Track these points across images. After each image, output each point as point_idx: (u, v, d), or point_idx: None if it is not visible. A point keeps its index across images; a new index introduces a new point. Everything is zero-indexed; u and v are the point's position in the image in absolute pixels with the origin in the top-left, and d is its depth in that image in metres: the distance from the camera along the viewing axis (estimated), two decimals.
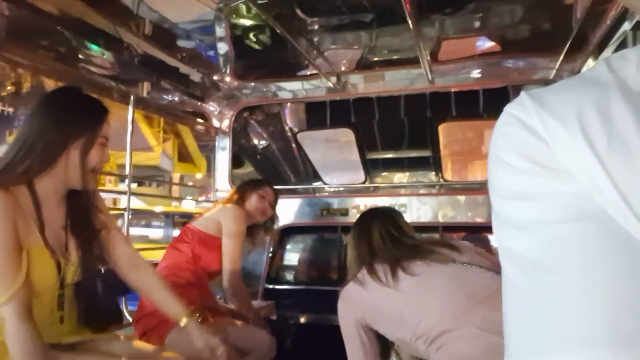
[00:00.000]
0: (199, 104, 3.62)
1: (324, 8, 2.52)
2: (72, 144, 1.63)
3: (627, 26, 2.32)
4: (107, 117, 1.73)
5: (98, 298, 1.80)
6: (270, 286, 3.78)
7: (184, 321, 1.89)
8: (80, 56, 2.59)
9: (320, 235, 4.23)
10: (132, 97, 2.88)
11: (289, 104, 4.21)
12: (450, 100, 3.84)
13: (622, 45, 2.46)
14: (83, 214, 1.76)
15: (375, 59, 3.19)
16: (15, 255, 1.50)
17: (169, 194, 16.63)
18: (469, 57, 3.14)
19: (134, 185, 3.05)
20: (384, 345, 1.96)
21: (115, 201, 9.70)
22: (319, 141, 4.67)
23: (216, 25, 2.60)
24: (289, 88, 3.68)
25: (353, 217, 3.65)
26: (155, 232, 9.87)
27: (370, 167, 4.71)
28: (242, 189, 2.93)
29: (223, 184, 3.92)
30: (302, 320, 3.35)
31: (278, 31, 2.49)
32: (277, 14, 2.40)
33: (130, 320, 2.61)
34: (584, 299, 0.51)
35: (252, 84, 3.59)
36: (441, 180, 4.53)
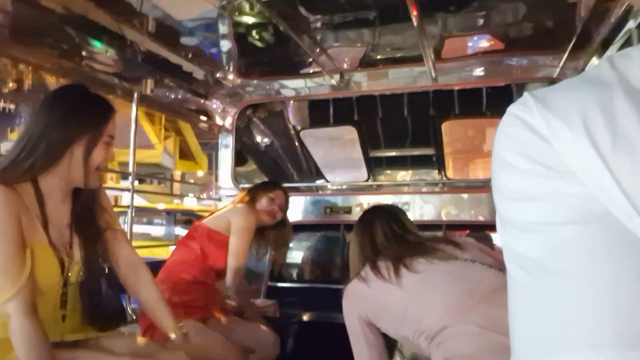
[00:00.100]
0: (202, 101, 3.61)
1: (327, 6, 2.51)
2: (76, 142, 1.63)
3: (631, 24, 2.31)
4: (113, 115, 1.72)
5: (102, 297, 1.79)
6: (274, 284, 3.78)
7: (172, 336, 1.89)
8: (83, 53, 2.59)
9: (324, 233, 4.22)
10: (135, 95, 2.88)
11: (292, 101, 4.20)
12: (453, 99, 3.83)
13: (626, 44, 2.44)
14: (88, 212, 1.76)
15: (379, 57, 3.18)
16: (20, 252, 1.50)
17: (171, 192, 16.64)
18: (472, 55, 3.13)
19: (135, 183, 3.06)
20: (388, 345, 1.96)
21: (116, 199, 9.71)
22: (322, 139, 4.66)
23: (219, 23, 2.59)
24: (292, 86, 3.67)
25: (356, 215, 3.62)
26: (157, 230, 9.87)
27: (374, 165, 4.70)
28: (254, 191, 2.94)
29: (226, 182, 3.91)
30: (306, 318, 3.35)
31: (281, 28, 2.49)
32: (280, 12, 2.39)
33: (134, 317, 2.62)
34: (590, 300, 0.51)
35: (255, 81, 3.59)
36: (444, 178, 4.52)
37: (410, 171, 4.96)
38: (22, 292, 1.47)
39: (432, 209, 3.59)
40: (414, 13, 2.24)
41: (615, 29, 2.43)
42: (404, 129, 4.33)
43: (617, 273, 0.50)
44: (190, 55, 2.94)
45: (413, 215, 3.48)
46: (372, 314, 1.84)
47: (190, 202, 13.14)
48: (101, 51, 2.58)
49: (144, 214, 9.70)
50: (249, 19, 2.57)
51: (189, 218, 10.37)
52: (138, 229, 9.39)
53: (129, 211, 2.87)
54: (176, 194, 16.26)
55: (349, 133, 4.41)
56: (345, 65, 3.27)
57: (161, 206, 10.14)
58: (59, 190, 1.67)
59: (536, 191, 0.55)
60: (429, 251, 1.84)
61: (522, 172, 0.56)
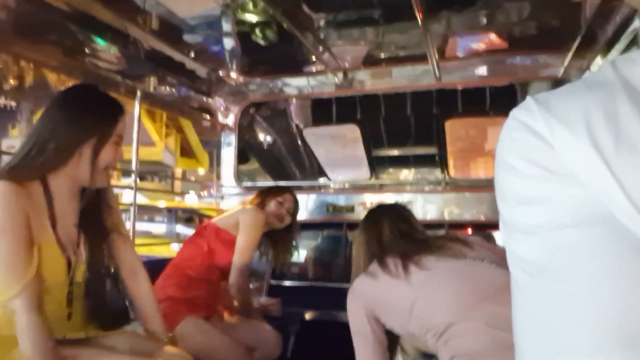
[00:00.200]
0: (205, 99, 3.61)
1: (330, 4, 2.51)
2: (85, 142, 1.63)
3: (637, 24, 2.30)
4: (123, 115, 1.73)
5: (106, 297, 1.80)
6: (276, 283, 3.78)
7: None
8: (86, 50, 2.59)
9: (326, 232, 4.22)
10: (138, 92, 2.87)
11: (295, 100, 4.20)
12: (456, 97, 3.82)
13: (632, 43, 2.43)
14: (95, 212, 1.77)
15: (382, 56, 3.17)
16: (27, 249, 1.50)
17: (171, 189, 16.64)
18: (476, 54, 3.12)
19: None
20: (390, 342, 1.95)
21: (117, 196, 9.69)
22: (324, 137, 4.66)
23: (223, 21, 2.59)
24: (295, 84, 3.67)
25: (359, 214, 3.64)
26: (158, 228, 9.88)
27: (376, 163, 4.70)
28: (264, 194, 2.97)
29: (229, 180, 3.91)
30: (308, 317, 3.35)
31: (285, 26, 2.48)
32: (284, 10, 2.39)
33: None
34: (592, 302, 0.52)
35: (259, 79, 3.58)
36: (447, 177, 4.51)
37: (413, 170, 4.96)
38: (29, 288, 1.48)
39: (434, 208, 3.58)
40: (418, 11, 2.24)
41: (621, 29, 2.42)
42: (406, 127, 4.32)
43: (620, 275, 0.50)
44: (193, 53, 2.93)
45: (415, 214, 3.46)
46: (379, 310, 1.83)
47: (191, 200, 13.14)
48: (104, 49, 2.58)
49: (145, 212, 9.70)
50: (252, 17, 2.56)
51: (190, 216, 10.39)
52: (139, 226, 9.38)
53: (132, 209, 2.86)
54: (177, 191, 16.28)
55: (352, 132, 4.41)
56: (348, 64, 3.26)
57: (162, 204, 10.14)
58: (68, 189, 1.67)
59: (539, 194, 0.55)
60: (437, 249, 1.83)
61: (525, 176, 0.56)
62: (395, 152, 4.72)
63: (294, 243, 3.10)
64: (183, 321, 2.42)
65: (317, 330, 3.25)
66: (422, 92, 3.74)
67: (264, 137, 4.56)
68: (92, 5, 2.21)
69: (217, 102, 3.74)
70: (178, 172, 19.44)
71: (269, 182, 4.60)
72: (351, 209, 3.71)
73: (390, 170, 4.99)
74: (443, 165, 4.52)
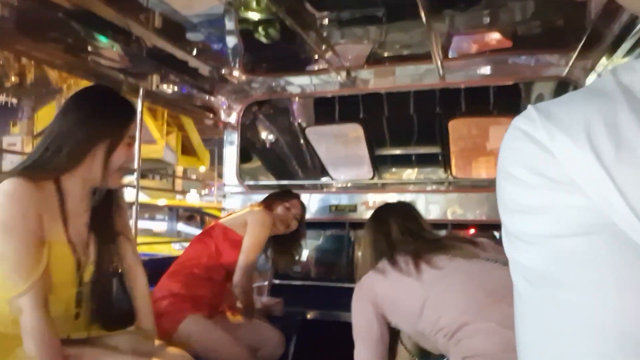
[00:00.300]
0: (208, 97, 3.60)
1: (334, 2, 2.50)
2: (99, 143, 1.65)
3: None
4: (135, 117, 1.77)
5: (111, 298, 1.81)
6: (278, 282, 3.78)
7: None
8: (89, 48, 2.58)
9: (329, 232, 4.21)
10: (141, 90, 2.87)
11: (297, 98, 4.19)
12: (460, 97, 3.81)
13: (637, 43, 2.42)
14: (106, 213, 1.79)
15: (386, 54, 3.17)
16: (37, 246, 1.52)
17: (172, 188, 16.64)
18: (480, 53, 3.11)
19: None
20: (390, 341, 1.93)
21: None
22: (327, 136, 4.66)
23: (226, 19, 2.58)
24: (298, 83, 3.66)
25: (362, 213, 3.64)
26: (159, 226, 9.89)
27: (379, 163, 4.69)
28: (271, 198, 2.99)
29: (231, 179, 3.90)
30: (310, 316, 3.34)
31: (288, 24, 2.47)
32: (287, 8, 2.38)
33: None
34: (596, 311, 0.51)
35: (261, 78, 3.57)
36: (450, 177, 4.51)
37: (416, 169, 4.96)
38: (36, 287, 1.48)
39: (437, 208, 3.57)
40: (422, 10, 2.23)
41: (626, 29, 2.41)
42: (410, 127, 4.32)
43: (622, 283, 0.50)
44: (196, 51, 2.93)
45: None
46: (388, 307, 1.80)
47: (192, 198, 13.15)
48: (107, 46, 2.57)
49: (146, 210, 9.72)
50: (255, 15, 2.55)
51: (191, 214, 10.40)
52: (140, 224, 9.40)
53: (134, 207, 2.86)
54: (178, 190, 16.29)
55: (355, 131, 4.41)
56: (351, 63, 3.25)
57: (162, 202, 10.14)
58: (80, 190, 1.69)
59: (540, 204, 0.54)
60: (448, 248, 1.81)
61: (526, 185, 0.56)
62: (398, 152, 4.71)
63: (298, 249, 3.11)
64: (187, 319, 2.42)
65: (319, 330, 3.25)
66: (426, 92, 3.73)
67: (267, 136, 4.55)
68: (94, 3, 2.20)
69: (220, 100, 3.73)
70: (179, 170, 19.44)
71: (272, 181, 4.60)
72: (354, 209, 3.71)
73: (393, 169, 4.99)
74: (446, 165, 4.51)
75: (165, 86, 3.09)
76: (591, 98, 0.54)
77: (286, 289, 3.73)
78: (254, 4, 2.43)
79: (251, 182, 4.11)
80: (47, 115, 14.54)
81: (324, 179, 4.91)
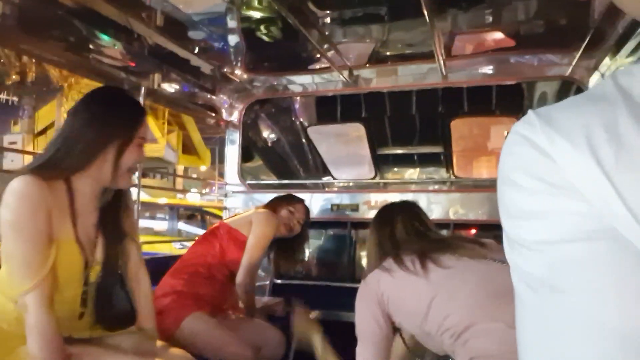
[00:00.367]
0: (209, 96, 3.60)
1: (336, 1, 2.50)
2: (110, 144, 1.67)
3: None
4: (145, 117, 1.79)
5: (115, 299, 1.82)
6: (280, 282, 3.77)
7: None
8: (91, 46, 2.57)
9: (330, 231, 4.20)
10: (142, 89, 2.86)
11: (299, 98, 4.18)
12: (462, 96, 3.80)
13: None
14: (114, 213, 1.81)
15: (388, 53, 3.16)
16: (45, 245, 1.53)
17: (173, 187, 16.65)
18: (483, 52, 3.10)
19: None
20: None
21: None
22: (329, 136, 4.65)
23: (228, 17, 2.57)
24: (300, 82, 3.65)
25: (364, 213, 3.63)
26: (160, 225, 9.89)
27: (381, 162, 4.68)
28: (276, 201, 3.01)
29: (233, 178, 3.90)
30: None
31: (290, 22, 2.46)
32: (289, 6, 2.37)
33: None
34: (597, 316, 0.51)
35: (263, 77, 3.57)
36: (452, 176, 4.50)
37: (417, 169, 4.95)
38: (42, 285, 1.50)
39: (439, 207, 3.56)
40: (425, 9, 2.21)
41: (630, 28, 2.40)
42: (412, 126, 4.31)
43: (624, 288, 0.50)
44: (197, 50, 2.92)
45: None
46: (393, 305, 1.78)
47: (193, 197, 13.15)
48: (108, 44, 2.56)
49: (147, 209, 9.71)
50: (257, 13, 2.55)
51: (192, 213, 10.39)
52: (141, 223, 9.41)
53: (135, 206, 2.85)
54: (179, 188, 16.29)
55: (357, 130, 4.40)
56: (354, 62, 3.24)
57: (163, 200, 10.14)
58: (90, 190, 1.71)
59: (542, 209, 0.54)
60: (455, 248, 1.79)
61: (527, 190, 0.56)
62: (400, 151, 4.70)
63: (301, 253, 3.12)
64: (190, 316, 2.42)
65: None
66: (428, 91, 3.72)
67: (268, 135, 4.54)
68: (96, 1, 2.21)
69: (222, 99, 3.72)
70: (180, 169, 19.44)
71: (273, 180, 4.59)
72: (355, 208, 3.70)
73: (395, 169, 4.98)
74: (448, 164, 4.50)
75: (166, 85, 3.09)
76: (591, 103, 0.55)
77: (287, 289, 3.72)
78: (256, 2, 2.43)
79: (252, 181, 4.10)
80: (47, 113, 14.57)
81: (326, 179, 4.91)
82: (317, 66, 3.34)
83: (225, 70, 3.33)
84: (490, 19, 2.64)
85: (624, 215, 0.48)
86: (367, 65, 3.31)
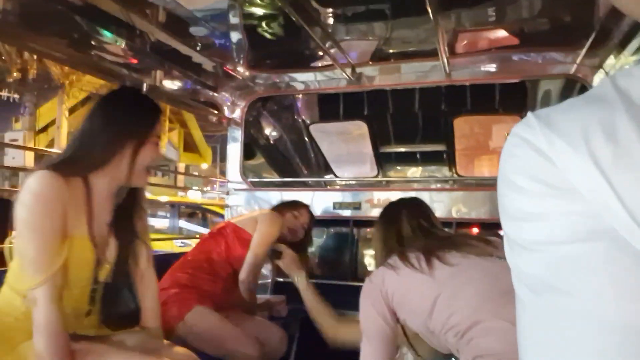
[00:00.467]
0: (211, 94, 3.59)
1: None
2: (127, 143, 1.70)
3: None
4: (161, 117, 1.84)
5: (121, 300, 1.87)
6: (281, 280, 3.76)
7: None
8: (92, 43, 2.56)
9: (332, 229, 4.19)
10: (144, 86, 2.85)
11: (302, 95, 4.17)
12: (465, 94, 3.79)
13: None
14: (128, 212, 1.85)
15: (391, 51, 3.14)
16: (58, 239, 1.55)
17: (174, 184, 16.66)
18: (486, 50, 3.09)
19: None
20: None
21: None
22: (331, 134, 4.65)
23: (230, 14, 2.56)
24: (303, 79, 3.64)
25: (366, 211, 3.62)
26: (160, 222, 9.90)
27: (383, 160, 4.68)
28: (280, 206, 3.06)
29: (234, 175, 3.89)
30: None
31: (293, 19, 2.44)
32: (292, 3, 2.35)
33: None
34: (597, 317, 0.52)
35: (265, 74, 3.55)
36: (455, 175, 4.49)
37: (420, 167, 4.94)
38: (52, 280, 1.51)
39: (442, 205, 3.55)
40: (429, 7, 2.20)
41: (635, 26, 2.39)
42: (414, 124, 4.30)
43: (623, 289, 0.51)
44: (199, 47, 2.91)
45: None
46: (398, 302, 1.76)
47: (194, 195, 13.15)
48: (110, 41, 2.56)
49: (148, 206, 9.71)
50: (259, 10, 2.54)
51: (193, 211, 10.40)
52: None
53: None
54: (180, 186, 16.30)
55: (359, 128, 4.40)
56: (356, 59, 3.23)
57: (164, 198, 10.16)
58: (106, 188, 1.74)
59: (542, 211, 0.55)
60: (461, 246, 1.78)
61: (527, 192, 0.57)
62: (402, 149, 4.70)
63: (304, 258, 3.12)
64: (193, 309, 2.44)
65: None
66: (431, 89, 3.71)
67: (270, 133, 4.54)
68: None
69: (224, 96, 3.71)
70: (181, 166, 19.45)
71: (275, 178, 4.58)
72: (358, 206, 3.69)
73: (398, 167, 4.98)
74: (451, 162, 4.49)
75: (168, 82, 3.08)
76: (590, 105, 0.55)
77: (289, 287, 3.71)
78: None
79: (254, 179, 4.10)
80: (49, 111, 14.57)
81: (328, 177, 4.90)
82: (320, 64, 3.32)
83: (227, 67, 3.32)
84: (494, 16, 2.62)
85: (622, 216, 0.48)
86: (370, 62, 3.30)
